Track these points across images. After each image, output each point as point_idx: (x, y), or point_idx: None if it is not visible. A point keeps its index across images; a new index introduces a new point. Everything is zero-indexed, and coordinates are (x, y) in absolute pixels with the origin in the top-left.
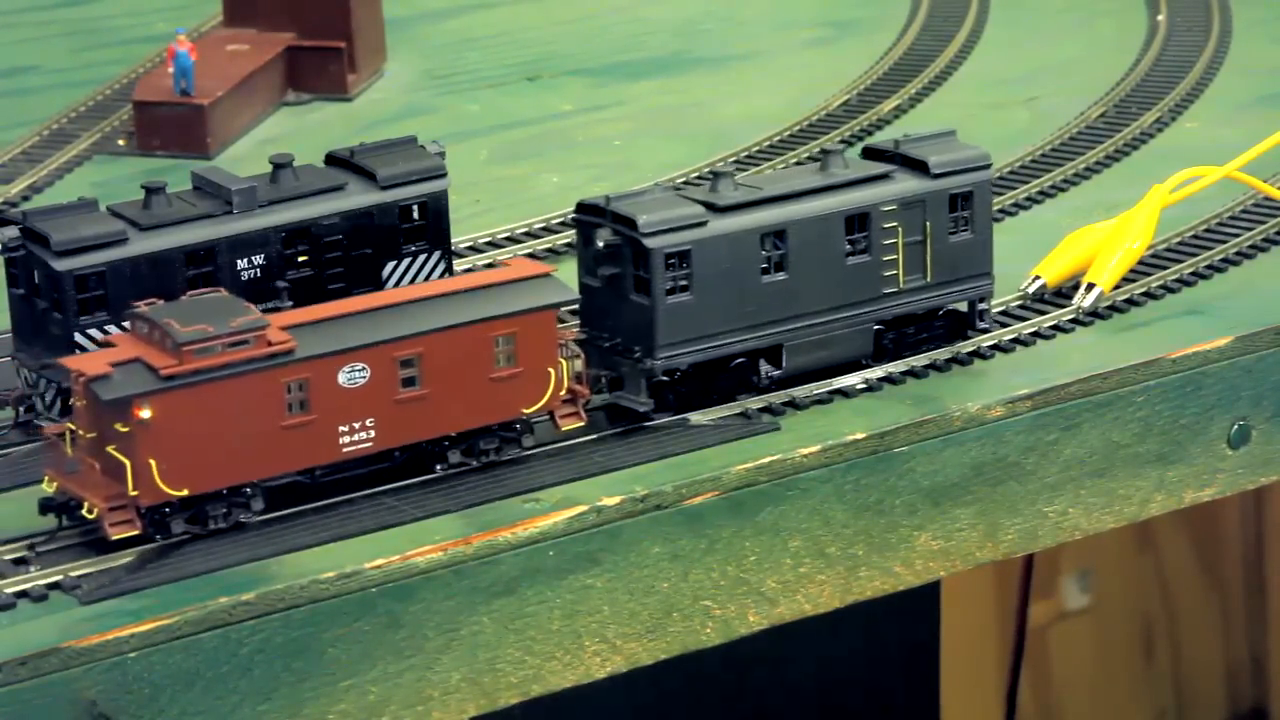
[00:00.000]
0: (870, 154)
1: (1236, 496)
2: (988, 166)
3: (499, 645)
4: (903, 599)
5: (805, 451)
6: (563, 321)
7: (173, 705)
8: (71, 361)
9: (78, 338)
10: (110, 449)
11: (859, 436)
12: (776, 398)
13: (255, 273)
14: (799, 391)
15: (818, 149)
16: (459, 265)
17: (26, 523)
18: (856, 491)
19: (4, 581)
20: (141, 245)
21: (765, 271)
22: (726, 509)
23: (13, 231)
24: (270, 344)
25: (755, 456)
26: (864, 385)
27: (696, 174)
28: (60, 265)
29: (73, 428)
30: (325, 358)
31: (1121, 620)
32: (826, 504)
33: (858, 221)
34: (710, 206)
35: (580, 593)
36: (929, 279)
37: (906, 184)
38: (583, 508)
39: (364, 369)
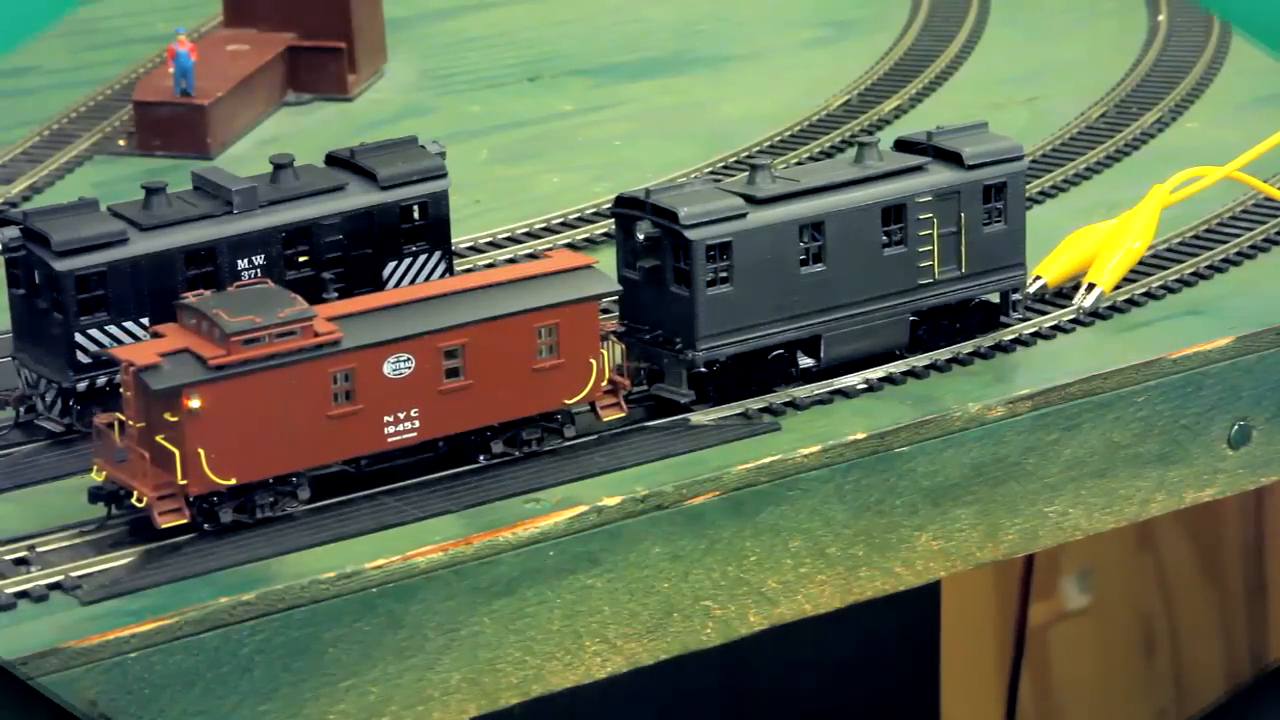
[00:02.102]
0: (903, 146)
1: (1236, 496)
2: (1021, 157)
3: (499, 645)
4: (903, 599)
5: (805, 451)
6: (606, 312)
7: (173, 705)
8: (121, 351)
9: (78, 338)
10: (159, 438)
11: (859, 436)
12: (777, 398)
13: (255, 273)
14: (799, 391)
15: (818, 149)
16: (459, 265)
17: (27, 523)
18: (857, 491)
19: (4, 581)
20: (142, 245)
21: (804, 263)
22: (727, 509)
23: (13, 231)
24: (317, 335)
25: (756, 456)
26: (864, 385)
27: (697, 174)
28: (60, 265)
29: (121, 417)
30: (371, 348)
31: (1121, 620)
32: (827, 504)
33: (894, 213)
34: (749, 198)
35: (580, 593)
36: (964, 269)
37: (941, 175)
38: (583, 508)
39: (409, 359)
